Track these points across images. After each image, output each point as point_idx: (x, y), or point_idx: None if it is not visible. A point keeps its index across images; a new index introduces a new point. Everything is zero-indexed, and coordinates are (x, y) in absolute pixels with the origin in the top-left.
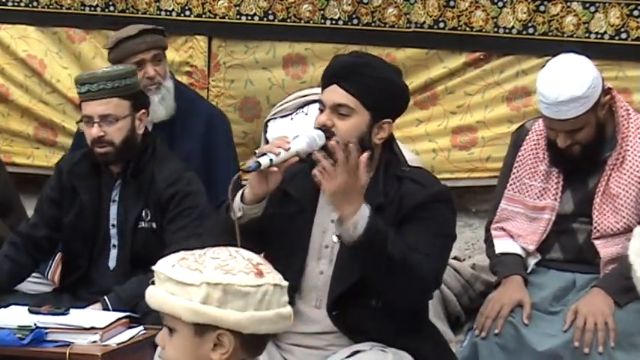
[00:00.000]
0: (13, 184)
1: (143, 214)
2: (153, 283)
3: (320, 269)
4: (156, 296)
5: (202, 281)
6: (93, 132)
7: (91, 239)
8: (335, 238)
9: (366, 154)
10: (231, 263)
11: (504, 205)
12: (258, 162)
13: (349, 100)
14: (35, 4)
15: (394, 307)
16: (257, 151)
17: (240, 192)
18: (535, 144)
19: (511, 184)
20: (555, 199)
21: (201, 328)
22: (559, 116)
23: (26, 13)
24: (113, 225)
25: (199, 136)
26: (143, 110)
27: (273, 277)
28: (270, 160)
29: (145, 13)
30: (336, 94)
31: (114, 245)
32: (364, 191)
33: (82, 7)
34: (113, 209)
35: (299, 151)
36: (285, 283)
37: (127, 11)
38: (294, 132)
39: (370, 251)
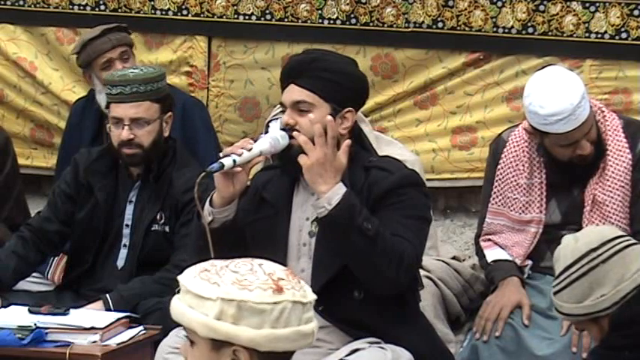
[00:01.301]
0: (25, 200)
1: (158, 217)
2: (178, 292)
3: (301, 267)
4: (176, 308)
5: (218, 296)
6: (123, 135)
7: (101, 237)
8: (308, 237)
9: (348, 141)
10: (250, 278)
11: (490, 220)
12: (222, 163)
13: (306, 96)
14: (22, 2)
15: (376, 293)
16: (221, 153)
17: (209, 197)
18: (514, 156)
19: (494, 198)
20: (541, 212)
21: (218, 343)
22: (574, 125)
23: (12, 12)
24: (127, 225)
25: (176, 126)
26: (170, 113)
27: (293, 293)
28: (234, 160)
29: (138, 12)
30: (293, 92)
31: (124, 245)
32: (341, 173)
33: (71, 6)
34: (129, 209)
35: (262, 151)
36: (309, 299)
37: (120, 10)
38: None
39: (343, 225)
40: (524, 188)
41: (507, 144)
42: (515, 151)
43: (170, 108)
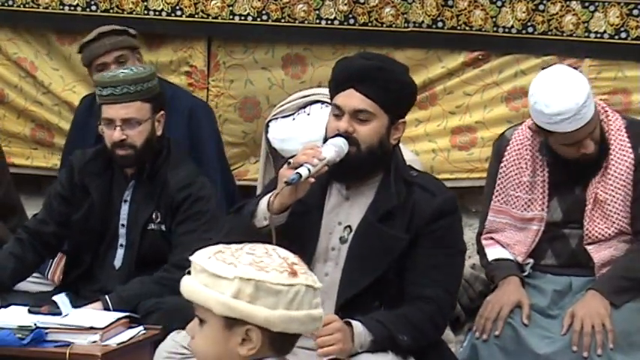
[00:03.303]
0: (14, 187)
1: (153, 216)
2: (189, 273)
3: (325, 271)
4: (189, 286)
5: (235, 275)
6: (115, 135)
7: (98, 237)
8: (339, 242)
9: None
10: (266, 260)
11: (492, 218)
12: (299, 173)
13: (369, 105)
14: (10, 2)
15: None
16: (291, 161)
17: (265, 201)
18: (517, 154)
19: (496, 196)
20: (542, 210)
21: (231, 322)
22: (579, 125)
23: (1, 13)
24: (123, 225)
25: (182, 129)
26: (162, 112)
27: (306, 277)
28: (309, 170)
29: (131, 13)
30: (354, 99)
31: (121, 245)
32: (343, 336)
33: (61, 7)
34: (124, 209)
35: (328, 160)
36: (319, 285)
37: (112, 11)
38: (295, 132)
39: (386, 345)
40: (527, 186)
41: (510, 142)
42: (519, 148)
43: (162, 107)
